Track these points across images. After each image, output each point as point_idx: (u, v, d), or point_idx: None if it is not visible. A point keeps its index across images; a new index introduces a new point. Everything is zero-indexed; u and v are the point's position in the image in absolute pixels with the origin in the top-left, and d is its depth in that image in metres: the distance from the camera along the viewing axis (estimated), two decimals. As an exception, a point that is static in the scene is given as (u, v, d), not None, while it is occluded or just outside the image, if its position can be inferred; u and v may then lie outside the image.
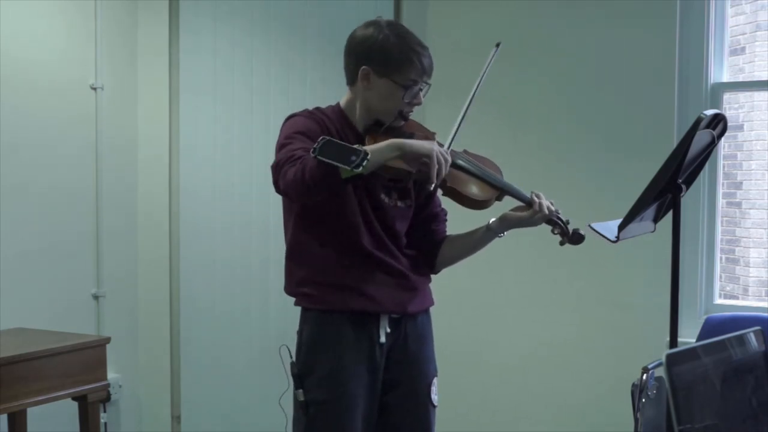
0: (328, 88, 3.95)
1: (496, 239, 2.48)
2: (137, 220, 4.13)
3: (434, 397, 2.50)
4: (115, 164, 4.00)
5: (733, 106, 3.89)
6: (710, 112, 2.22)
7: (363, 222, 2.37)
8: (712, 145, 2.32)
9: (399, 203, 2.45)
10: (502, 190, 2.42)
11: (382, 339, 2.40)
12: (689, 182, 2.32)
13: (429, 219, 2.54)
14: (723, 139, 2.53)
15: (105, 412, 3.83)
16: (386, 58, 2.33)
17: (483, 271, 3.93)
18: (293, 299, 2.47)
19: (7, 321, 3.47)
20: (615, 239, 2.35)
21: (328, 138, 2.03)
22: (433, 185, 2.23)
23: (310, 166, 2.08)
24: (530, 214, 2.39)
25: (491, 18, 3.92)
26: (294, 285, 2.43)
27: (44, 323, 3.58)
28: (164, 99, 4.09)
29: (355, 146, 2.03)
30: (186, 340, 4.13)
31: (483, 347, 3.98)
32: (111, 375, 3.69)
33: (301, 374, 2.38)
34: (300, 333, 2.44)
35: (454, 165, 2.37)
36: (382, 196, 2.41)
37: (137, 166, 4.12)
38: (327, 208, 2.33)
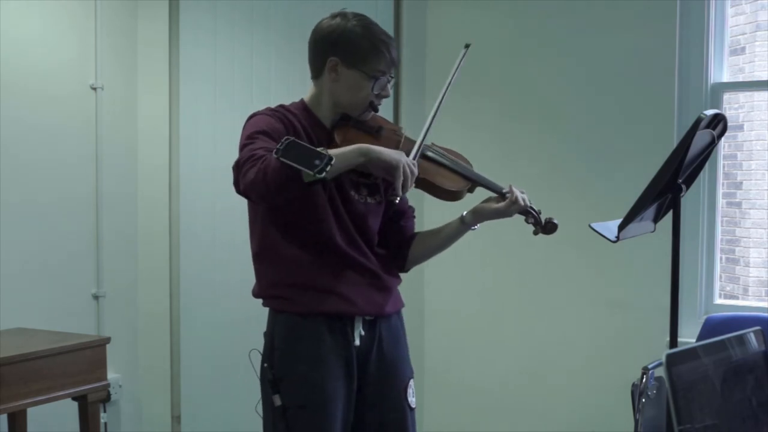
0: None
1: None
2: (137, 219, 4.13)
3: (411, 399, 2.43)
4: (115, 164, 4.00)
5: (733, 106, 3.89)
6: (710, 112, 2.21)
7: (335, 219, 2.31)
8: (712, 145, 2.32)
9: (369, 199, 2.39)
10: (473, 181, 2.39)
11: (357, 341, 2.35)
12: (689, 182, 2.32)
13: (397, 216, 2.49)
14: (723, 139, 2.53)
15: (105, 412, 3.83)
16: (355, 49, 2.28)
17: (482, 271, 3.93)
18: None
19: (7, 321, 3.47)
20: (615, 239, 2.35)
21: (292, 139, 1.97)
22: (398, 198, 2.20)
23: (273, 167, 2.02)
24: (505, 204, 2.34)
25: (491, 19, 3.92)
26: (265, 287, 2.38)
27: (44, 323, 3.58)
28: (164, 99, 4.10)
29: (320, 149, 1.97)
30: (186, 340, 4.13)
31: (482, 348, 3.98)
32: (111, 375, 3.69)
33: (276, 379, 2.32)
34: (270, 336, 2.37)
35: (425, 156, 2.34)
36: (352, 192, 2.35)
37: (137, 166, 4.12)
38: (296, 206, 2.27)
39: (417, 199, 2.51)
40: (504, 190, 2.37)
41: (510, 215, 2.37)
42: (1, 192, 3.54)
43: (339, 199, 2.32)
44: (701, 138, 2.22)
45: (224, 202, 4.13)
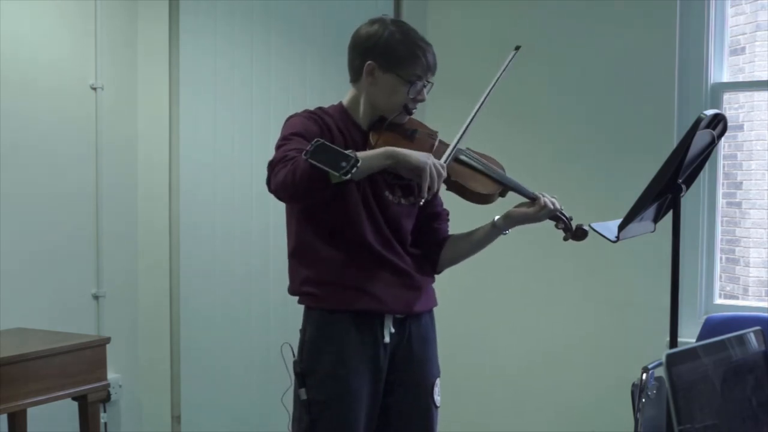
0: (329, 88, 3.96)
1: (500, 237, 2.49)
2: (137, 219, 4.13)
3: (437, 397, 2.50)
4: (115, 164, 4.00)
5: (733, 106, 3.89)
6: (710, 112, 2.21)
7: (367, 219, 2.36)
8: (712, 145, 2.32)
9: (403, 200, 2.44)
10: (505, 186, 2.44)
11: (387, 339, 2.40)
12: (689, 182, 2.32)
13: (431, 218, 2.54)
14: (723, 139, 2.53)
15: (105, 412, 3.83)
16: (392, 53, 2.35)
17: (483, 271, 3.92)
18: (295, 298, 2.46)
19: (7, 321, 3.47)
20: (615, 239, 2.35)
21: (321, 141, 2.05)
22: (422, 200, 2.24)
23: (301, 168, 2.09)
24: (535, 209, 2.40)
25: (491, 18, 3.92)
26: (298, 284, 2.42)
27: (44, 323, 3.58)
28: (164, 99, 4.10)
29: (348, 152, 2.05)
30: (186, 340, 4.13)
31: (482, 347, 3.98)
32: (111, 375, 3.69)
33: (303, 373, 2.37)
34: (303, 331, 2.43)
35: (458, 160, 2.40)
36: (386, 193, 2.40)
37: (137, 166, 4.13)
38: (330, 206, 2.33)
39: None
40: (534, 196, 2.42)
41: (540, 220, 2.43)
42: (2, 193, 3.54)
43: (373, 199, 2.38)
44: (701, 138, 2.22)
45: (224, 203, 4.14)
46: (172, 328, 4.14)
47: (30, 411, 3.37)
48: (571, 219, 2.46)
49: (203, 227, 4.13)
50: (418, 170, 2.19)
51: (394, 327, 2.41)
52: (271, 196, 2.30)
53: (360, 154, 2.08)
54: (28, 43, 3.66)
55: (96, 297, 3.94)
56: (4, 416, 3.31)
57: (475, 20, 3.94)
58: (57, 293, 3.77)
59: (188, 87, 4.10)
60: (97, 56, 3.91)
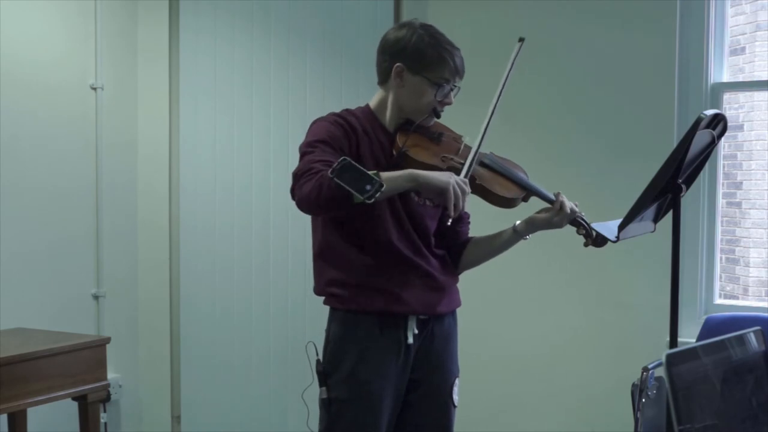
0: (328, 87, 3.96)
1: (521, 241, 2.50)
2: (137, 219, 4.14)
3: (455, 397, 2.52)
4: (115, 164, 4.01)
5: (733, 106, 3.89)
6: (710, 112, 2.22)
7: (393, 220, 2.38)
8: (712, 145, 2.32)
9: (427, 202, 2.46)
10: (528, 190, 2.46)
11: (410, 340, 2.41)
12: (689, 182, 2.32)
13: (453, 220, 2.55)
14: (723, 139, 2.53)
15: (105, 412, 3.84)
16: (420, 56, 2.36)
17: (481, 270, 3.92)
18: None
19: (7, 321, 3.47)
20: (615, 239, 2.36)
21: (348, 160, 2.06)
22: (450, 219, 2.26)
23: (327, 185, 2.11)
24: (554, 214, 2.41)
25: (490, 18, 3.91)
26: (323, 285, 2.44)
27: (44, 323, 3.58)
28: (164, 99, 4.10)
29: (372, 173, 2.06)
30: (186, 340, 4.14)
31: (481, 347, 3.97)
32: (111, 375, 3.70)
33: (325, 372, 2.40)
34: (327, 331, 2.45)
35: (482, 164, 2.42)
36: (412, 194, 2.42)
37: (137, 166, 4.13)
38: (356, 209, 2.33)
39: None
40: (555, 200, 2.43)
41: (560, 226, 2.44)
42: (2, 192, 3.54)
43: (399, 200, 2.39)
44: (701, 138, 2.22)
45: (224, 202, 4.14)
46: (172, 328, 4.15)
47: (30, 411, 3.37)
48: (591, 225, 2.47)
49: (203, 227, 4.13)
50: (441, 192, 2.20)
51: (417, 328, 2.43)
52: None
53: (384, 177, 2.10)
54: (28, 43, 3.66)
55: (96, 297, 3.94)
56: (4, 416, 3.32)
57: (475, 21, 3.93)
58: (57, 293, 3.77)
59: (188, 87, 4.10)
60: (97, 56, 3.91)
